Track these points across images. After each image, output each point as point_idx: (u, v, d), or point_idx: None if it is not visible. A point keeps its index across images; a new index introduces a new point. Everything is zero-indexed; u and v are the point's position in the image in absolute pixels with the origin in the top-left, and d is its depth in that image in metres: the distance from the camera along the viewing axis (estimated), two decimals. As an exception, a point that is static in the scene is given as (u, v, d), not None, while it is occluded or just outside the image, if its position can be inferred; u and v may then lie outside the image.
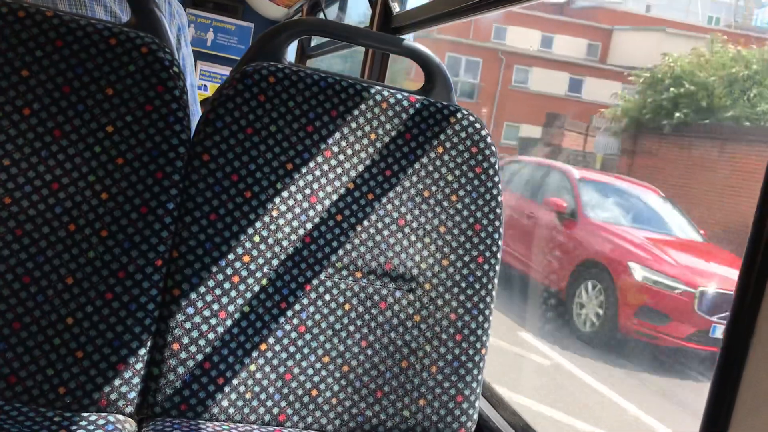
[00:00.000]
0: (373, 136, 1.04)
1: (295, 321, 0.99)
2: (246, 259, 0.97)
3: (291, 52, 4.47)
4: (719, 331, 5.00)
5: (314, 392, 0.99)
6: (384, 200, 1.04)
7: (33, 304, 0.89)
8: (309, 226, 1.00)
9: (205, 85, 5.47)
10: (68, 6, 1.25)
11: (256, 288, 0.97)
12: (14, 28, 0.92)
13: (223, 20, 5.40)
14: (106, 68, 0.94)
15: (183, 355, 0.94)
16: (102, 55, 0.94)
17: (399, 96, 1.06)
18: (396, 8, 2.19)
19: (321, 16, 3.92)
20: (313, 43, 3.90)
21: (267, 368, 0.97)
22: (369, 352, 1.02)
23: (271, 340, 0.98)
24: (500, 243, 1.08)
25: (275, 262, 0.98)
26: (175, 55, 1.00)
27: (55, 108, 0.92)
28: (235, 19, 5.42)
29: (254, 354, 0.97)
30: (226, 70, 5.43)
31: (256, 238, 0.97)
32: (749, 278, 0.81)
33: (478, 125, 1.08)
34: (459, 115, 1.07)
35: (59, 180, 0.91)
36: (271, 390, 0.97)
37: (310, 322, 1.00)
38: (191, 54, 1.48)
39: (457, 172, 1.06)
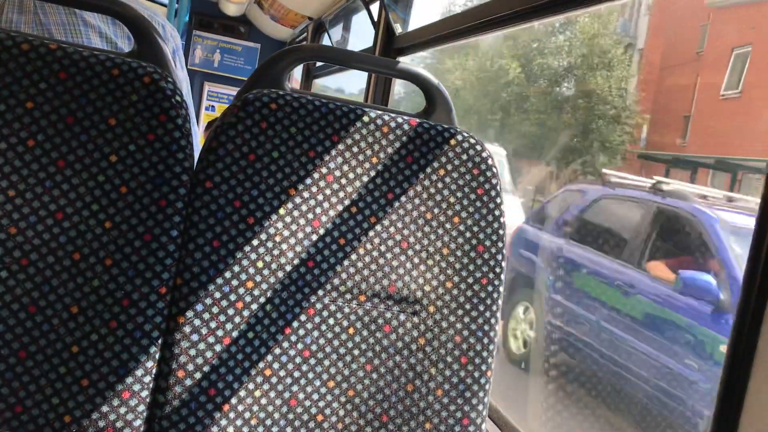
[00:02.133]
0: (374, 160, 1.05)
1: (300, 346, 0.99)
2: (249, 285, 0.97)
3: (298, 71, 4.49)
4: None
5: (320, 417, 0.99)
6: (386, 223, 1.04)
7: (38, 333, 0.90)
8: (312, 250, 1.01)
9: (212, 106, 5.52)
10: (64, 34, 1.27)
11: (260, 314, 0.98)
12: (19, 61, 0.94)
13: (229, 41, 5.46)
14: (108, 99, 0.95)
15: (188, 381, 0.94)
16: (105, 86, 0.95)
17: (400, 120, 1.07)
18: (398, 29, 2.21)
19: (326, 36, 3.95)
20: (318, 64, 3.93)
21: (272, 394, 0.97)
22: (374, 376, 1.02)
23: (275, 365, 0.98)
24: (504, 264, 1.08)
25: (279, 287, 0.99)
26: (178, 84, 1.02)
27: (59, 139, 0.93)
28: (242, 40, 5.48)
29: (259, 380, 0.97)
30: (233, 91, 5.48)
31: (260, 264, 0.98)
32: (751, 288, 0.81)
33: (478, 147, 1.08)
34: (459, 137, 1.08)
35: (63, 210, 0.92)
36: (276, 416, 0.97)
37: (314, 347, 1.00)
38: (187, 77, 1.50)
39: (459, 194, 1.07)
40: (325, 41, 4.06)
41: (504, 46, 13.33)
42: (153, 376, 0.93)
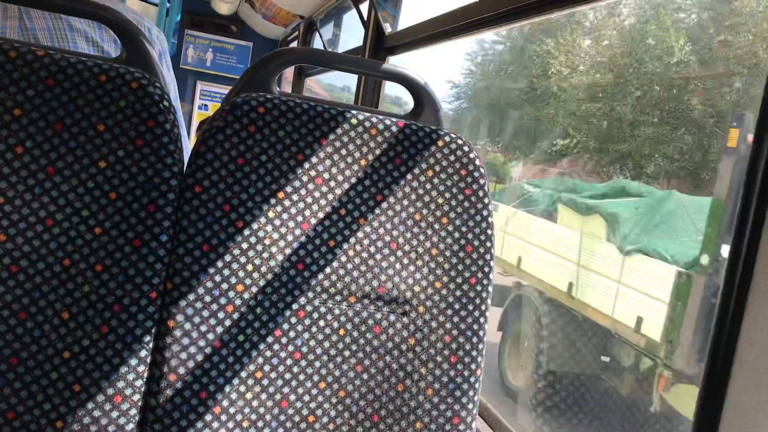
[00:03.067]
0: (363, 162, 1.05)
1: (290, 348, 1.00)
2: (240, 288, 0.98)
3: (290, 69, 4.49)
4: None
5: (311, 418, 1.00)
6: (375, 224, 1.05)
7: (30, 340, 0.91)
8: (302, 252, 1.02)
9: (205, 105, 5.51)
10: (50, 39, 1.26)
11: (251, 316, 0.98)
12: (6, 69, 0.94)
13: (221, 40, 5.46)
14: (97, 105, 0.95)
15: (179, 385, 0.95)
16: (93, 92, 0.96)
17: (388, 122, 1.07)
18: (388, 29, 2.21)
19: (316, 35, 3.95)
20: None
21: (263, 396, 0.98)
22: (365, 376, 1.02)
23: (266, 368, 0.99)
24: (492, 264, 1.09)
25: (269, 290, 0.99)
26: (166, 88, 1.02)
27: (47, 145, 0.94)
28: (234, 39, 5.47)
29: (250, 382, 0.98)
30: (226, 89, 5.48)
31: (249, 267, 0.98)
32: (731, 285, 0.82)
33: (466, 148, 1.09)
34: (447, 138, 1.08)
35: (53, 216, 0.93)
36: (268, 417, 0.98)
37: (305, 349, 1.01)
38: (173, 79, 1.50)
39: (447, 195, 1.07)
40: (317, 39, 4.06)
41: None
42: (144, 380, 0.94)
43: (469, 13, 1.66)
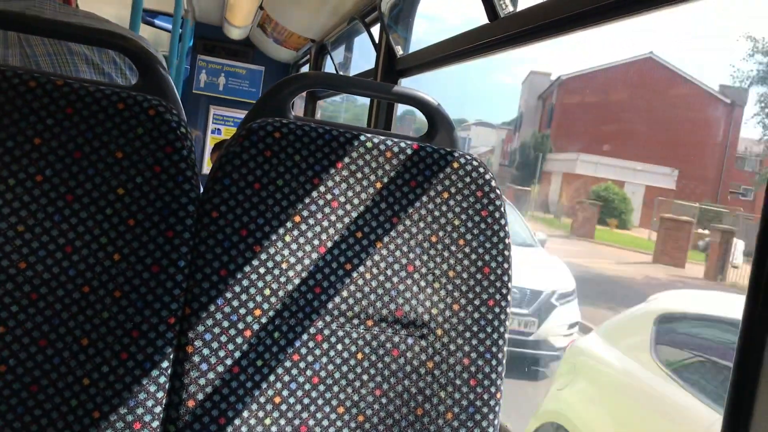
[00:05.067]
0: (378, 185, 1.05)
1: (309, 372, 1.00)
2: (257, 313, 0.98)
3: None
4: None
5: None
6: (392, 247, 1.05)
7: (49, 367, 0.91)
8: (319, 276, 1.02)
9: (218, 129, 5.56)
10: (51, 65, 1.27)
11: (269, 341, 0.98)
12: (26, 98, 0.95)
13: (233, 65, 5.52)
14: (115, 132, 0.97)
15: (199, 411, 0.95)
16: (111, 120, 0.97)
17: (403, 144, 1.08)
18: (400, 51, 2.23)
19: (328, 58, 3.98)
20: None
21: (282, 421, 0.98)
22: (383, 400, 1.02)
23: (285, 392, 0.98)
24: (510, 285, 1.08)
25: (287, 314, 0.99)
26: (183, 115, 1.03)
27: (66, 173, 0.95)
28: (246, 63, 5.53)
29: (269, 407, 0.97)
30: (239, 113, 5.53)
31: (267, 292, 0.99)
32: (758, 290, 0.81)
33: (481, 169, 1.09)
34: (462, 160, 1.09)
35: (72, 243, 0.94)
36: None
37: (323, 373, 1.00)
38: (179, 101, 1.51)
39: (464, 217, 1.07)
40: (328, 63, 4.10)
41: None
42: (163, 406, 0.94)
43: (481, 35, 1.67)
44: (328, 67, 4.14)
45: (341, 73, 3.86)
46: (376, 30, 2.56)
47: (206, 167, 4.96)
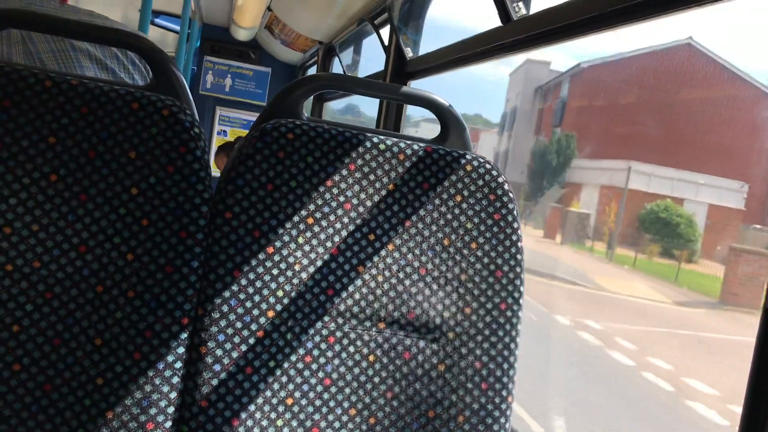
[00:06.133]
0: (391, 187, 1.05)
1: (321, 374, 0.99)
2: (270, 314, 0.98)
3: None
4: None
5: None
6: (405, 250, 1.05)
7: (63, 366, 0.91)
8: (331, 278, 1.01)
9: (224, 131, 5.57)
10: (55, 62, 1.27)
11: (281, 342, 0.98)
12: (42, 98, 0.95)
13: (240, 66, 5.53)
14: (129, 132, 0.97)
15: (211, 412, 0.94)
16: (125, 120, 0.97)
17: (415, 147, 1.07)
18: (409, 53, 2.23)
19: (336, 60, 3.99)
20: (329, 87, 3.96)
21: (294, 423, 0.98)
22: (395, 403, 1.02)
23: (297, 394, 0.98)
24: (522, 289, 1.08)
25: (299, 315, 0.99)
26: (195, 115, 1.03)
27: (80, 173, 0.95)
28: (253, 65, 5.54)
29: (281, 409, 0.97)
30: (245, 115, 5.53)
31: (280, 293, 0.98)
32: None
33: (494, 172, 1.09)
34: (475, 162, 1.08)
35: (86, 243, 0.94)
36: None
37: (335, 375, 1.00)
38: None
39: (476, 220, 1.07)
40: (336, 65, 4.10)
41: None
42: (176, 407, 0.93)
43: (494, 38, 1.67)
44: (336, 69, 4.14)
45: (350, 75, 3.86)
46: (385, 32, 2.56)
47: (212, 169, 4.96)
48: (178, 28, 4.23)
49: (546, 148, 18.89)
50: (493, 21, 1.67)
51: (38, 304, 0.91)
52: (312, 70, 4.88)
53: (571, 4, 1.36)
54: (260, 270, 0.98)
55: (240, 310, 0.97)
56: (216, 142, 5.41)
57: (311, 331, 0.99)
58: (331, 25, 3.65)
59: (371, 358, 1.01)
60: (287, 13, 3.99)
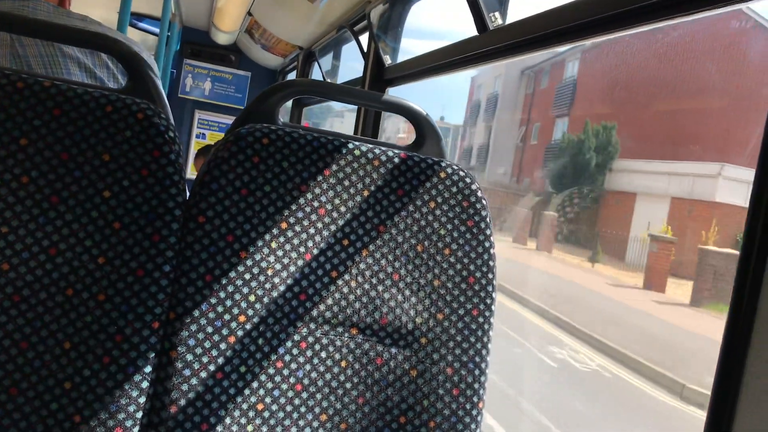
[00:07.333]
0: (366, 193, 1.06)
1: (292, 380, 0.99)
2: (242, 319, 0.98)
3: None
4: None
5: None
6: (378, 255, 1.05)
7: (30, 370, 0.90)
8: (304, 283, 1.01)
9: (203, 134, 5.54)
10: (43, 66, 1.26)
11: (253, 348, 0.98)
12: (13, 99, 0.94)
13: (220, 70, 5.51)
14: (102, 135, 0.96)
15: (180, 417, 0.94)
16: (99, 122, 0.96)
17: (390, 153, 1.08)
18: (388, 60, 2.24)
19: (315, 65, 3.99)
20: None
21: (264, 428, 0.97)
22: (366, 409, 1.02)
23: (268, 399, 0.98)
24: (494, 295, 1.09)
25: (271, 320, 0.99)
26: (171, 119, 1.03)
27: (53, 175, 0.94)
28: (233, 69, 5.52)
29: (251, 414, 0.97)
30: (224, 118, 5.51)
31: (252, 298, 0.98)
32: (744, 279, 0.81)
33: (468, 179, 1.10)
34: (449, 170, 1.09)
35: (56, 246, 0.93)
36: None
37: (306, 381, 1.00)
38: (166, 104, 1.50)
39: (450, 226, 1.08)
40: (315, 70, 4.10)
41: None
42: (145, 411, 0.93)
43: (470, 47, 1.68)
44: (316, 75, 4.15)
45: (329, 80, 3.87)
46: (364, 39, 2.57)
47: (189, 172, 4.94)
48: (158, 30, 4.21)
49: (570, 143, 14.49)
50: (471, 30, 1.69)
51: (6, 307, 0.90)
52: (292, 75, 4.88)
53: (545, 15, 1.38)
54: (232, 274, 0.98)
55: (211, 315, 0.96)
56: (195, 145, 5.38)
57: (283, 336, 0.99)
58: (311, 31, 3.65)
59: (343, 363, 1.02)
60: (267, 17, 3.99)
